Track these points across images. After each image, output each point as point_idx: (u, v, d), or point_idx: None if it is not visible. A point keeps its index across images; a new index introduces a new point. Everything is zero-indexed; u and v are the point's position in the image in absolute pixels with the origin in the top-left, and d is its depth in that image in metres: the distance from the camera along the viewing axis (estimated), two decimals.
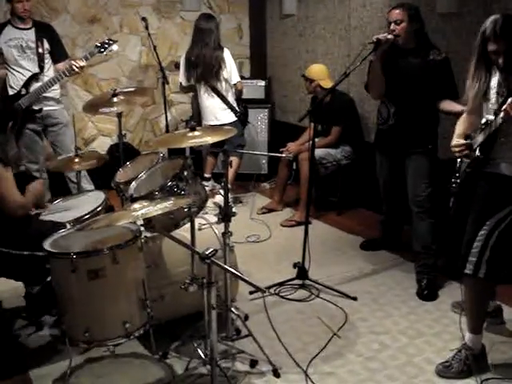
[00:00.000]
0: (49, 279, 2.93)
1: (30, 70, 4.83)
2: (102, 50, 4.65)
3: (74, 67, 4.64)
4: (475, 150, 2.86)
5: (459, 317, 3.10)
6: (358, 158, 5.30)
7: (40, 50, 4.84)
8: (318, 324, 3.51)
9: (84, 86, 6.07)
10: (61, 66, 4.93)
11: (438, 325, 3.47)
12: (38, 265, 2.91)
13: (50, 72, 4.92)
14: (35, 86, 4.78)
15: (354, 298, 3.79)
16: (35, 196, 3.27)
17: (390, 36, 3.73)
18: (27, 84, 4.79)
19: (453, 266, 2.96)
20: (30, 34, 4.84)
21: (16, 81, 4.85)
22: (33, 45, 4.83)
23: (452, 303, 3.65)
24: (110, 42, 4.67)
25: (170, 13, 6.49)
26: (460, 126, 3.08)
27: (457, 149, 2.95)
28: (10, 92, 4.85)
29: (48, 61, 4.93)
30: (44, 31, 4.92)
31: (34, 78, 4.81)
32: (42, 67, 4.85)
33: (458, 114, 3.31)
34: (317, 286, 3.90)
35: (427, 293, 3.81)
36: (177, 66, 5.85)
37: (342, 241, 4.82)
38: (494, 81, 2.81)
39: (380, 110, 4.08)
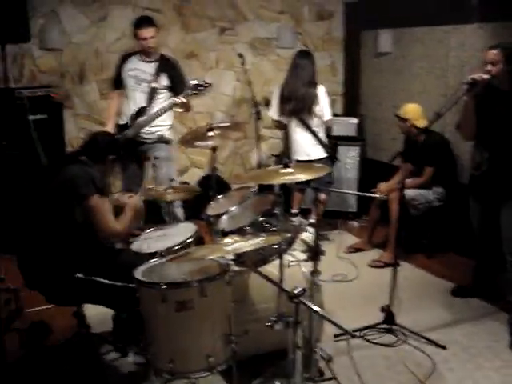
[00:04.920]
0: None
1: (140, 103, 4.95)
2: (196, 92, 4.68)
3: (176, 102, 4.76)
4: None
5: None
6: (451, 200, 5.14)
7: (154, 85, 4.93)
8: (404, 371, 3.40)
9: (179, 118, 6.23)
10: None
11: None
12: (128, 294, 2.96)
13: (158, 107, 4.95)
14: (141, 119, 4.92)
15: (443, 347, 3.65)
16: (131, 216, 3.35)
17: (485, 76, 3.63)
18: (134, 116, 4.94)
19: None
20: (151, 68, 4.96)
21: (129, 111, 5.01)
22: (150, 78, 4.95)
23: None
24: (206, 85, 4.68)
25: (266, 50, 6.61)
26: None
27: None
28: (121, 121, 5.04)
29: (162, 97, 4.98)
30: (166, 66, 5.01)
31: (141, 111, 4.93)
32: (150, 102, 4.93)
33: None
34: (404, 331, 3.79)
35: None
36: (267, 104, 5.91)
37: (432, 285, 4.67)
38: None
39: (473, 155, 3.97)
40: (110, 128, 5.00)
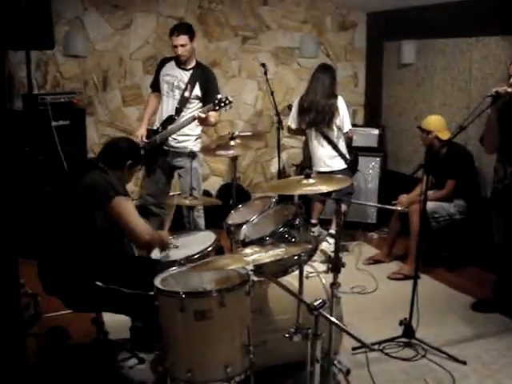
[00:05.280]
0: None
1: (170, 110, 4.93)
2: (217, 107, 4.60)
3: (196, 117, 4.71)
4: None
5: None
6: (473, 214, 5.09)
7: (186, 94, 4.89)
8: None
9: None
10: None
11: None
12: (147, 302, 2.97)
13: (187, 117, 4.88)
14: (169, 127, 4.89)
15: (463, 362, 3.60)
16: (159, 242, 3.37)
17: (509, 89, 3.59)
18: (164, 124, 4.92)
19: None
20: (185, 76, 4.92)
21: (160, 116, 5.01)
22: (183, 86, 4.91)
23: None
24: (227, 102, 4.58)
25: (288, 59, 6.62)
26: None
27: None
28: (154, 126, 5.01)
29: (193, 107, 4.92)
30: (200, 76, 4.94)
31: (170, 120, 4.90)
32: (179, 111, 4.90)
33: None
34: (423, 345, 3.75)
35: None
36: (290, 107, 5.91)
37: (452, 299, 4.61)
38: None
39: (496, 168, 3.94)
40: (142, 130, 5.00)
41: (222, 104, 4.58)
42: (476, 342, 3.91)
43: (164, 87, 4.99)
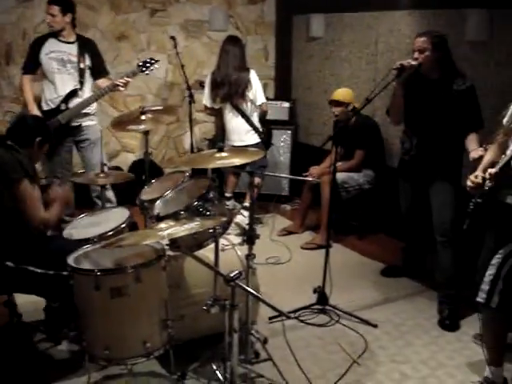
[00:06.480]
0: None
1: (68, 85, 4.79)
2: (144, 69, 4.61)
3: (119, 84, 4.64)
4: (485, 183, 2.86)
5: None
6: (381, 183, 5.27)
7: (81, 66, 4.80)
8: (337, 351, 3.48)
9: (110, 101, 6.12)
10: (101, 82, 4.90)
11: (460, 356, 3.43)
12: (60, 282, 2.91)
13: (87, 88, 4.89)
14: (75, 101, 4.77)
15: (375, 326, 3.76)
16: (60, 207, 3.29)
17: (414, 62, 3.69)
18: (67, 99, 4.77)
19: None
20: (73, 49, 4.80)
21: (54, 95, 4.81)
22: (74, 59, 4.79)
23: (474, 334, 3.62)
24: (152, 62, 4.62)
25: (198, 32, 6.55)
26: (487, 157, 3.08)
27: (469, 183, 2.95)
28: (45, 107, 4.83)
29: (88, 76, 4.89)
30: (86, 46, 4.88)
31: (74, 93, 4.79)
32: (81, 83, 4.81)
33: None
34: (337, 311, 3.88)
35: (449, 323, 3.77)
36: (201, 84, 5.87)
37: (363, 266, 4.79)
38: None
39: (402, 140, 4.06)
40: (36, 114, 4.77)
41: (148, 65, 4.60)
42: (386, 305, 4.09)
43: (53, 65, 4.80)
